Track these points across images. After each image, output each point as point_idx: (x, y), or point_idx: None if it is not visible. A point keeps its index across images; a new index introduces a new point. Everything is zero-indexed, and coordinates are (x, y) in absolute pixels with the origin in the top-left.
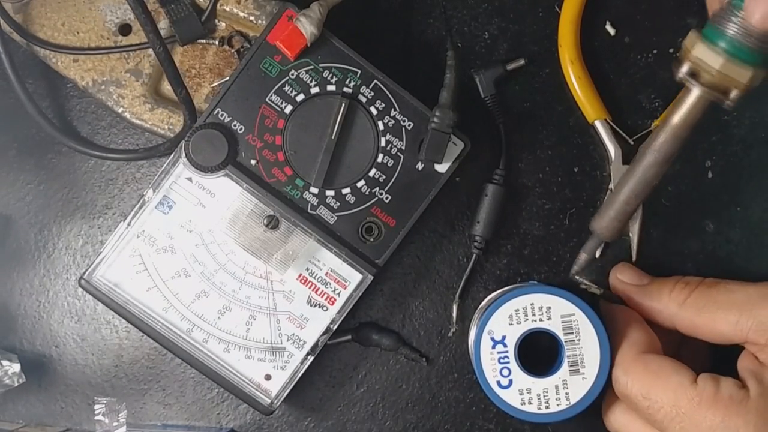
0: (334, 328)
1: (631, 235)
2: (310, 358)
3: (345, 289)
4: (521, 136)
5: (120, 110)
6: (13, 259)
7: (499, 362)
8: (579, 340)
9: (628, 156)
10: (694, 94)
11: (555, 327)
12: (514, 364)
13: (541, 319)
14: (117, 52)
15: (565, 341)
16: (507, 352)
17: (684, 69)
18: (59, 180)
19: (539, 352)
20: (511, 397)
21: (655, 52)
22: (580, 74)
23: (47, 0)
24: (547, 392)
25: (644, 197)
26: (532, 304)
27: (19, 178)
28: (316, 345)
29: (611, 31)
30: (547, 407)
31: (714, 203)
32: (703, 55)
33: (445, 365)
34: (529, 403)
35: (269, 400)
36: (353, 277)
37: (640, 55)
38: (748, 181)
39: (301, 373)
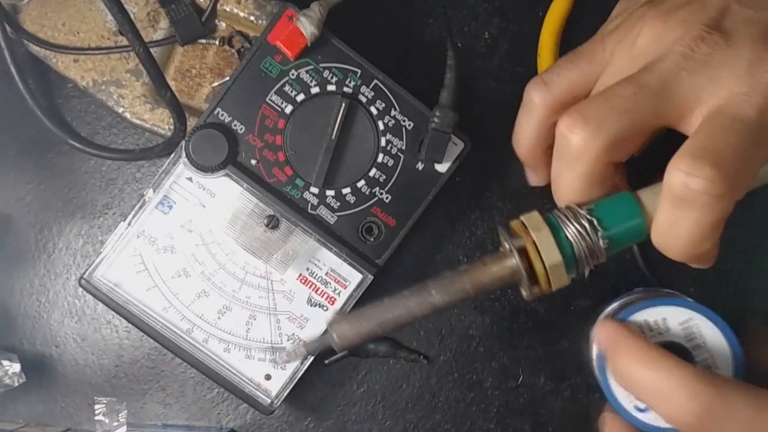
0: None
1: None
2: (311, 358)
3: (345, 288)
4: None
5: (120, 110)
6: (14, 259)
7: None
8: (704, 343)
9: None
10: (510, 266)
11: (677, 336)
12: None
13: (660, 333)
14: (117, 52)
15: (691, 348)
16: None
17: (516, 244)
18: (59, 180)
19: None
20: (653, 419)
21: None
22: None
23: (47, 0)
24: None
25: (401, 329)
26: (646, 320)
27: (19, 177)
28: None
29: None
30: None
31: None
32: (543, 244)
33: (445, 365)
34: None
35: (269, 400)
36: (353, 277)
37: None
38: None
39: (301, 372)
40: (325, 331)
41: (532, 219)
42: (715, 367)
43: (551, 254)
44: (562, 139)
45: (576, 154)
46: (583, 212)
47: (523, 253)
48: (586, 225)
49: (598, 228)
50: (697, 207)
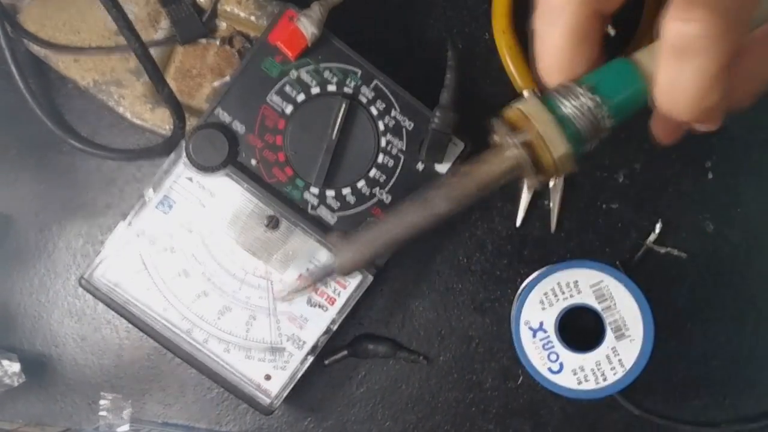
0: (334, 328)
1: (552, 205)
2: (310, 359)
3: (345, 289)
4: None
5: (121, 110)
6: (14, 259)
7: (544, 349)
8: (615, 304)
9: None
10: (513, 157)
11: (587, 298)
12: (559, 347)
13: (571, 295)
14: (118, 52)
15: (602, 309)
16: (548, 336)
17: (520, 138)
18: (60, 179)
19: (585, 330)
20: (566, 380)
21: None
22: (511, 44)
23: (48, 0)
24: (600, 364)
25: (398, 243)
26: (558, 284)
27: (20, 177)
28: (315, 345)
29: (612, 32)
30: (604, 379)
31: (714, 204)
32: (549, 134)
33: (444, 365)
34: (586, 380)
35: (269, 400)
36: (353, 278)
37: None
38: (749, 181)
39: (301, 373)
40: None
41: (532, 106)
42: (625, 327)
43: (559, 144)
44: None
45: (558, 6)
46: (581, 89)
47: (526, 144)
48: (587, 101)
49: (600, 102)
50: (699, 54)
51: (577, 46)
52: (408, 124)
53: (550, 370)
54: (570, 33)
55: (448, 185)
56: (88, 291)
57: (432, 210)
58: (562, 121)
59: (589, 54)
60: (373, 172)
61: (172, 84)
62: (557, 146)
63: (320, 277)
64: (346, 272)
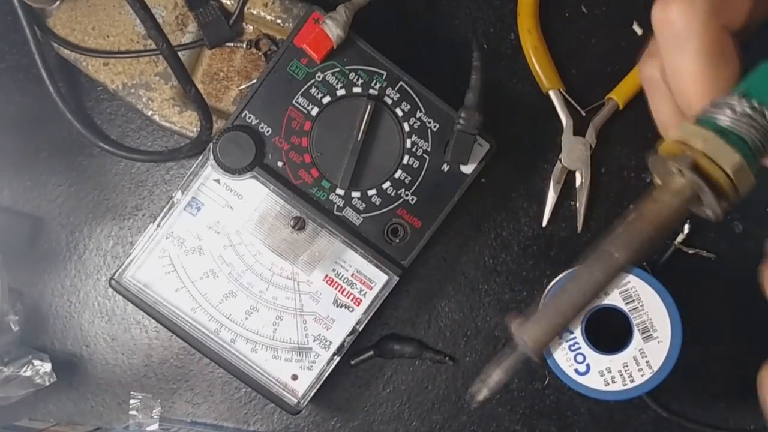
0: (360, 328)
1: (578, 205)
2: (337, 359)
3: (371, 290)
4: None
5: (149, 113)
6: (45, 260)
7: (571, 350)
8: (642, 305)
9: (579, 127)
10: (685, 186)
11: (614, 300)
12: (586, 348)
13: (598, 296)
14: (147, 55)
15: (629, 310)
16: (575, 337)
17: (685, 161)
18: (90, 182)
19: (612, 332)
20: (593, 382)
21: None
22: (537, 44)
23: (78, 4)
24: (627, 366)
25: (587, 307)
26: None
27: (51, 180)
28: (342, 345)
29: (638, 30)
30: (632, 381)
31: (743, 204)
32: (714, 148)
33: (471, 366)
34: (613, 381)
35: (296, 400)
36: (379, 278)
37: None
38: None
39: (328, 373)
40: (511, 345)
41: (688, 129)
42: (653, 328)
43: (728, 155)
44: (662, 25)
45: (682, 30)
46: (732, 99)
47: (693, 167)
48: (745, 108)
49: (758, 105)
50: None
51: (714, 67)
52: (433, 125)
53: (576, 371)
54: (703, 56)
55: (623, 234)
56: (118, 292)
57: (612, 264)
58: (723, 132)
59: (728, 73)
60: (398, 174)
61: (200, 87)
62: (727, 157)
63: (513, 367)
64: (540, 353)
